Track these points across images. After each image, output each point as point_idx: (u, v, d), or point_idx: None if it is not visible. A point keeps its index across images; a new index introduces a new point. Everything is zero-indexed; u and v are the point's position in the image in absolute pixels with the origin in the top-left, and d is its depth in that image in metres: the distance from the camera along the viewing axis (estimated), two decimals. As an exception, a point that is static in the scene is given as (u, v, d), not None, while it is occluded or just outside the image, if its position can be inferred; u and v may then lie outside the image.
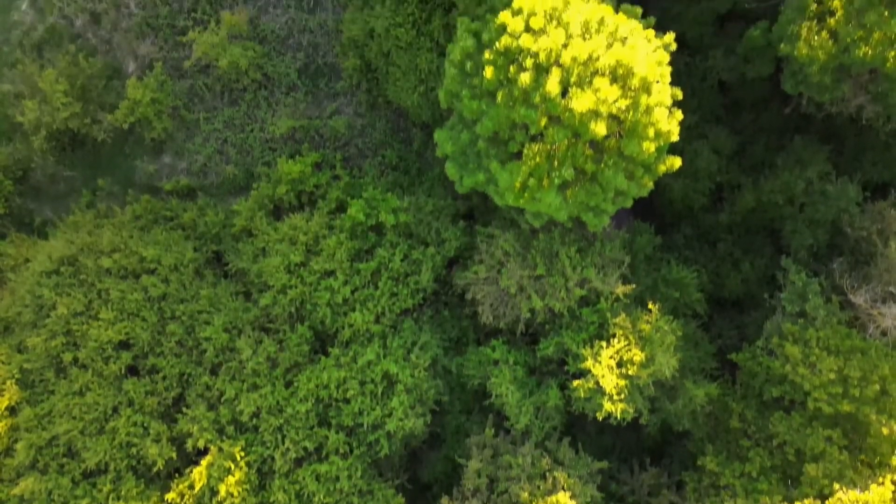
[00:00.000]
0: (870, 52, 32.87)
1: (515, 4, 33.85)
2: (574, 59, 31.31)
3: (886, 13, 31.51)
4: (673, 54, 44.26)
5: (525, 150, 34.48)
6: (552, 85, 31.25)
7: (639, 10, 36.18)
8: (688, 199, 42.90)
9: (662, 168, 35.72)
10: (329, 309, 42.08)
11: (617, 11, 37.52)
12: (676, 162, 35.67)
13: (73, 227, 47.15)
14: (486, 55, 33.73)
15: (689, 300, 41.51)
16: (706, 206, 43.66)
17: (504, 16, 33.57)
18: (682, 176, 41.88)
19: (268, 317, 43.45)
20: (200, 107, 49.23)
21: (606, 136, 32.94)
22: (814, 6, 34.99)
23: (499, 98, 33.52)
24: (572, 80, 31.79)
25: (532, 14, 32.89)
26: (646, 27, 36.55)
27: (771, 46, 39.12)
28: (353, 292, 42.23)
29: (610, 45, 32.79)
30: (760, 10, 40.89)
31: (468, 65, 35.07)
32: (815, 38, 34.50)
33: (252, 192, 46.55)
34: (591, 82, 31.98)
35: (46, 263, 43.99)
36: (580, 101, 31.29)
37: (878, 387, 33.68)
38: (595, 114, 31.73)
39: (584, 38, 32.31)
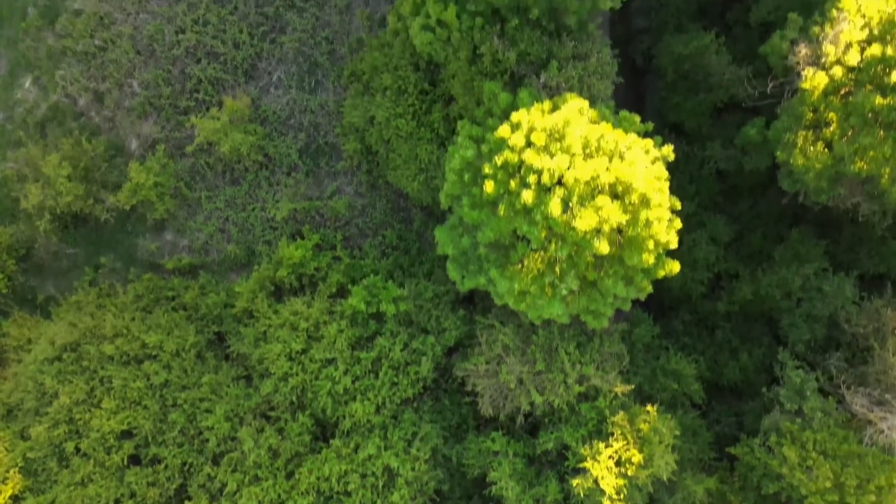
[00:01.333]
0: (865, 167, 33.26)
1: (514, 118, 34.30)
2: (576, 181, 31.67)
3: (882, 133, 31.91)
4: (672, 142, 44.90)
5: (526, 260, 34.87)
6: (555, 206, 31.61)
7: (637, 118, 36.57)
8: (686, 287, 43.27)
9: (661, 273, 36.08)
10: (330, 398, 42.36)
11: (616, 113, 38.16)
12: (675, 266, 35.99)
13: (75, 308, 47.44)
14: (487, 168, 34.11)
15: (688, 390, 41.84)
16: (704, 293, 43.99)
17: (504, 130, 34.00)
18: (680, 265, 42.21)
19: (269, 404, 43.73)
20: (202, 185, 49.58)
21: (608, 249, 33.31)
22: (809, 115, 35.40)
23: (500, 211, 33.88)
24: (574, 198, 32.15)
25: (532, 129, 33.31)
26: (643, 133, 37.03)
27: (768, 142, 39.56)
28: (353, 381, 42.53)
29: (610, 160, 33.17)
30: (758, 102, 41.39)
31: (466, 176, 35.45)
32: (811, 148, 34.92)
33: (253, 273, 46.86)
34: (592, 200, 32.35)
35: (49, 350, 44.28)
36: (583, 221, 31.65)
37: (873, 497, 34.00)
38: (597, 231, 32.10)
39: (586, 158, 32.67)
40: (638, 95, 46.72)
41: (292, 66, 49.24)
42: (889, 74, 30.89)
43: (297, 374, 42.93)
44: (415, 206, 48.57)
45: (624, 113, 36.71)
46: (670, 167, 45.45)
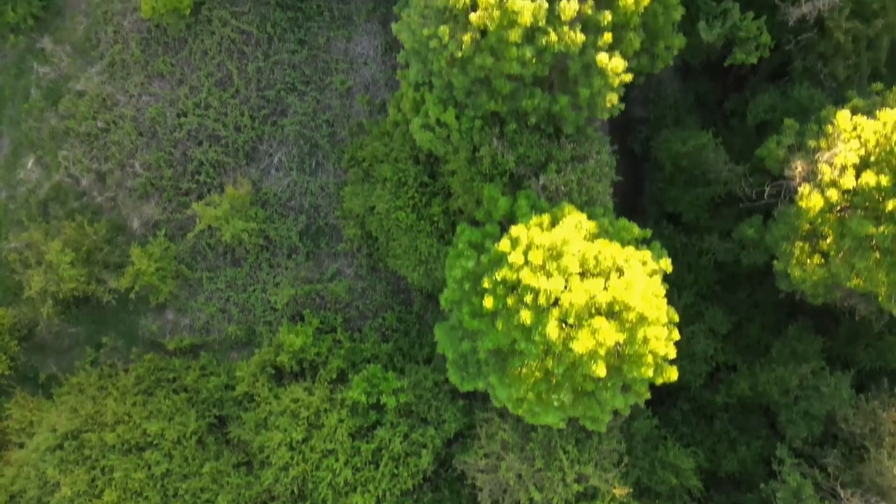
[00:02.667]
0: (861, 283, 33.54)
1: (513, 233, 34.64)
2: (572, 304, 31.96)
3: (878, 256, 32.19)
4: (670, 233, 45.18)
5: (524, 370, 35.14)
6: (552, 329, 31.91)
7: (635, 227, 36.88)
8: (685, 379, 43.44)
9: (660, 380, 36.34)
10: (331, 490, 42.63)
11: (618, 217, 38.50)
12: (673, 374, 36.24)
13: (76, 390, 47.71)
14: (486, 282, 34.43)
15: (687, 484, 42.06)
16: (703, 383, 44.24)
17: (504, 245, 34.35)
18: (679, 358, 42.40)
19: (270, 493, 43.98)
20: (203, 265, 49.88)
21: (604, 366, 33.58)
22: (806, 226, 35.68)
23: (498, 325, 34.19)
24: (570, 319, 32.44)
25: (531, 246, 33.63)
26: (641, 238, 37.35)
27: (765, 240, 39.86)
28: (354, 473, 42.80)
29: (607, 279, 33.47)
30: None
31: (466, 285, 35.78)
32: (808, 261, 35.20)
33: (254, 357, 47.17)
34: (589, 319, 32.63)
35: (50, 439, 44.53)
36: (580, 343, 31.94)
37: None
38: (594, 353, 32.38)
39: (583, 277, 32.96)
40: (636, 182, 47.03)
41: (293, 148, 49.58)
42: (884, 202, 31.20)
43: (297, 465, 43.20)
44: (414, 289, 48.84)
45: (622, 222, 37.02)
46: (669, 256, 45.87)
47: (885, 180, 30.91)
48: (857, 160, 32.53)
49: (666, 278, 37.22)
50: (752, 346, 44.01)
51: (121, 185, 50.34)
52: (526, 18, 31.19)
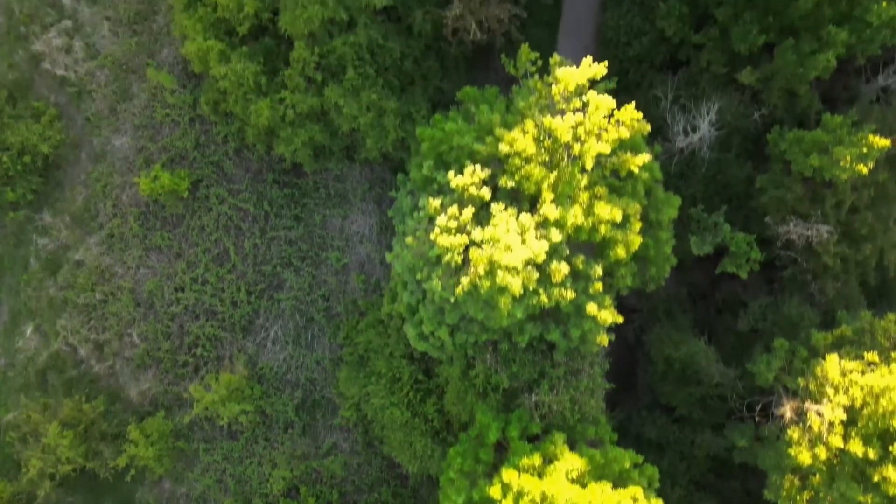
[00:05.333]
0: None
1: (505, 478, 34.95)
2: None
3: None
4: (663, 423, 45.49)
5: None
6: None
7: (628, 457, 37.12)
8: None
9: None
10: None
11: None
12: None
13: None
14: (479, 528, 34.76)
15: None
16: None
17: (495, 491, 34.66)
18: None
19: None
20: (200, 436, 50.19)
21: None
22: (796, 461, 35.98)
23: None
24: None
25: (521, 494, 33.97)
26: (634, 464, 37.64)
27: (755, 452, 40.20)
28: None
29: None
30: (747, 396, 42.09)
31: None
32: (798, 496, 35.49)
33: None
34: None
35: None
36: None
37: None
38: None
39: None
40: (629, 370, 47.39)
41: (289, 322, 49.98)
42: (871, 471, 31.53)
43: None
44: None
45: (614, 452, 37.22)
46: (662, 445, 46.09)
47: (871, 453, 31.26)
48: (844, 417, 32.87)
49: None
50: (744, 539, 44.23)
51: (118, 354, 50.73)
52: (516, 290, 31.57)
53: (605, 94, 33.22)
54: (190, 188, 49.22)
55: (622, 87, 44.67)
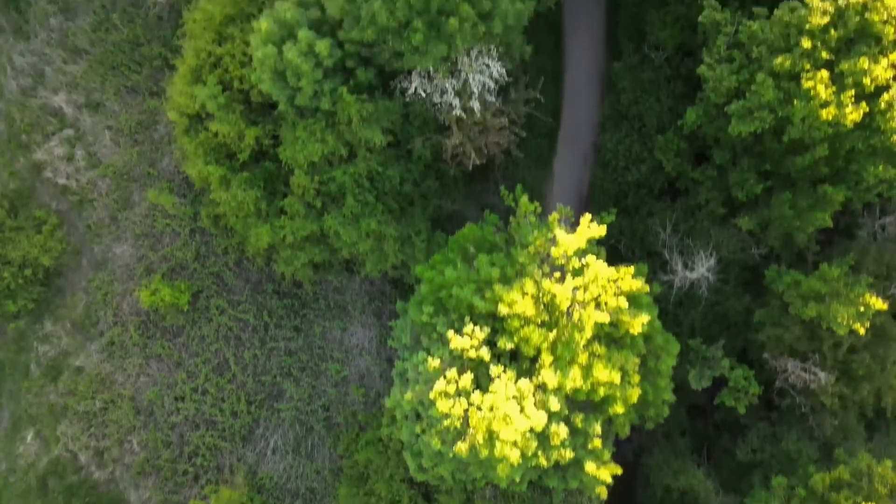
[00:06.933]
0: None
1: None
2: None
3: None
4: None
5: None
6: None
7: None
8: None
9: None
10: None
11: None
12: None
13: None
14: None
15: None
16: None
17: None
18: None
19: None
20: (203, 550, 50.29)
21: None
22: None
23: None
24: None
25: None
26: None
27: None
28: None
29: None
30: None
31: None
32: None
33: None
34: None
35: None
36: None
37: None
38: None
39: None
40: (628, 487, 47.32)
41: (289, 431, 50.08)
42: None
43: None
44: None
45: None
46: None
47: None
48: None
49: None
50: None
51: (119, 461, 50.80)
52: (515, 460, 31.72)
53: (604, 262, 33.45)
54: (190, 300, 49.36)
55: (621, 209, 45.12)
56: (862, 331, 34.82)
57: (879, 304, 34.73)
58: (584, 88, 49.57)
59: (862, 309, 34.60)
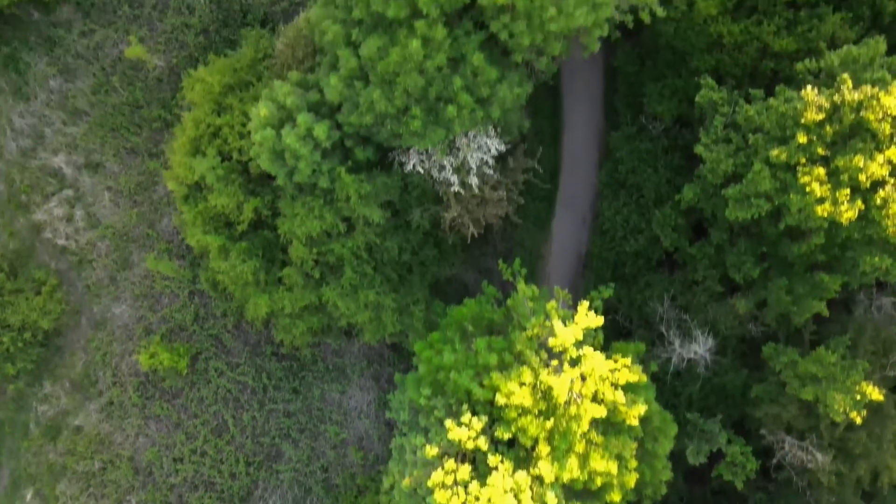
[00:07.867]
0: None
1: None
2: None
3: None
4: None
5: None
6: None
7: None
8: None
9: None
10: None
11: None
12: None
13: None
14: None
15: None
16: None
17: None
18: None
19: None
20: None
21: None
22: None
23: None
24: None
25: None
26: None
27: None
28: None
29: None
30: None
31: None
32: None
33: None
34: None
35: None
36: None
37: None
38: None
39: None
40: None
41: (287, 493, 50.18)
42: None
43: None
44: None
45: None
46: None
47: None
48: None
49: None
50: None
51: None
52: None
53: (601, 353, 33.56)
54: (189, 362, 49.46)
55: (619, 278, 45.25)
56: (859, 420, 34.94)
57: (876, 394, 34.83)
58: (582, 150, 49.66)
59: (858, 397, 34.71)
